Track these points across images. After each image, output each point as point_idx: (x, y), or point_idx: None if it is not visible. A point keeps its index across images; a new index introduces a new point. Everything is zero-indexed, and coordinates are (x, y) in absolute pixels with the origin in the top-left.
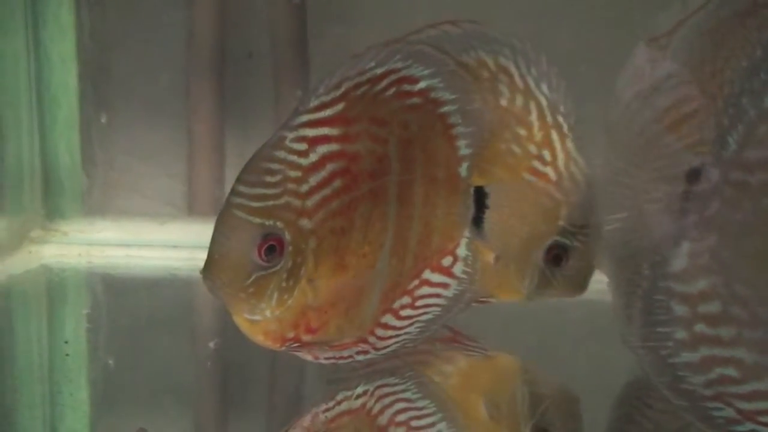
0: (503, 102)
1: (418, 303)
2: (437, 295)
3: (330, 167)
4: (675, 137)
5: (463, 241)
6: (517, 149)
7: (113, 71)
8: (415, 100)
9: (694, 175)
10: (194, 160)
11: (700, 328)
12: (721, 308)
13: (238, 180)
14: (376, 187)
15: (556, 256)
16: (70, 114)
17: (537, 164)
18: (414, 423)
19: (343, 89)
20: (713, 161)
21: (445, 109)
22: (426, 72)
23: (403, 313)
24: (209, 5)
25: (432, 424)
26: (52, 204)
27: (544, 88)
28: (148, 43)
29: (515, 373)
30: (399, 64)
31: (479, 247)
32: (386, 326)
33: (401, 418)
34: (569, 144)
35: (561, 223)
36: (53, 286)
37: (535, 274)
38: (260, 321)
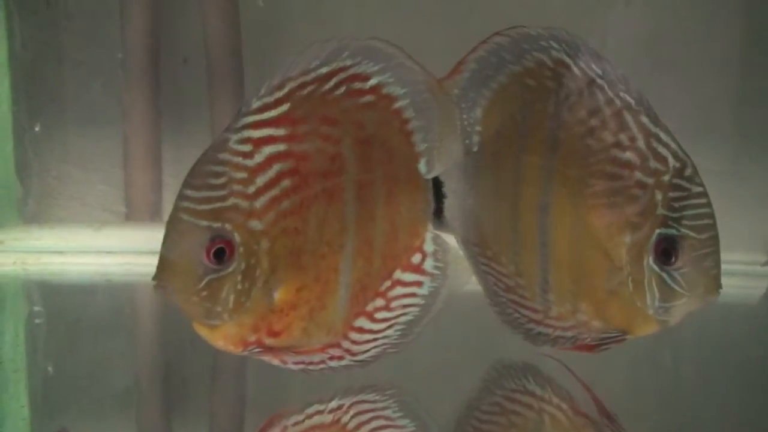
0: (572, 95)
1: (393, 304)
2: (412, 295)
3: (277, 167)
4: None
5: (428, 236)
6: (593, 143)
7: (47, 80)
8: (369, 98)
9: None
10: (130, 166)
11: None
12: None
13: (184, 184)
14: (329, 187)
15: (665, 251)
16: (3, 123)
17: (616, 152)
18: None
19: (287, 89)
20: None
21: (399, 104)
22: (376, 68)
23: (379, 315)
24: (143, 12)
25: None
26: None
27: (600, 69)
28: (82, 51)
29: None
30: (348, 62)
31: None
32: (361, 330)
33: None
34: (644, 119)
35: (660, 211)
36: None
37: (653, 284)
38: (219, 325)
